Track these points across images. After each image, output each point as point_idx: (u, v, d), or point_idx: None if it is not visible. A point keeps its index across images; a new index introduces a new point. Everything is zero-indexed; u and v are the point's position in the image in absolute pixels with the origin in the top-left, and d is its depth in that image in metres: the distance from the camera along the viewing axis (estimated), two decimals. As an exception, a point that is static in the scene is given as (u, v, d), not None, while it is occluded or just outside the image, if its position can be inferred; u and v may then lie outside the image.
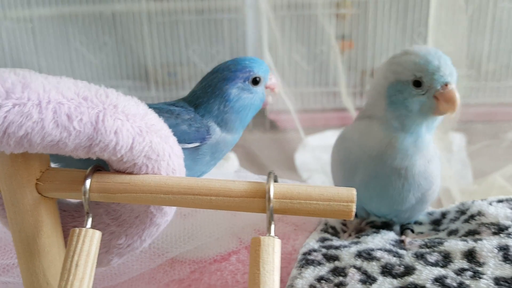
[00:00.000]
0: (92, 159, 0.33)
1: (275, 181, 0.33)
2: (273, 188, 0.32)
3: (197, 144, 0.40)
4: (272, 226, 0.32)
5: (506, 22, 1.26)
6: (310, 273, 0.44)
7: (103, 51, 1.36)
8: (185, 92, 1.58)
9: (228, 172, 0.89)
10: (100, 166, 0.34)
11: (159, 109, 0.39)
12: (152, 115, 0.33)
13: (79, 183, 0.33)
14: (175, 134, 0.35)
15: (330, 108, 1.41)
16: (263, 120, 1.42)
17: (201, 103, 0.43)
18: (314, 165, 1.18)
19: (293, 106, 1.27)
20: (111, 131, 0.30)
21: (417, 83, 0.43)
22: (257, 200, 0.33)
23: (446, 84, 0.42)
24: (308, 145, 1.25)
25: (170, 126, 0.35)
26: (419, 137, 0.45)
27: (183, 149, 0.38)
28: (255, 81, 0.43)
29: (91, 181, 0.33)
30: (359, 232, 0.52)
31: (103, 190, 0.33)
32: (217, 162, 0.45)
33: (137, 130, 0.31)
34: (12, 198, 0.33)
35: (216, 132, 0.42)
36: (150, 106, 0.35)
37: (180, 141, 0.36)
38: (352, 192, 0.32)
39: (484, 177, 0.91)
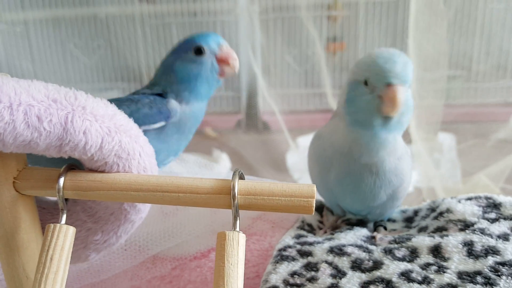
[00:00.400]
0: (70, 159, 0.35)
1: (241, 178, 0.35)
2: (237, 185, 0.34)
3: (162, 123, 0.42)
4: (237, 222, 0.34)
5: (496, 23, 1.27)
6: (284, 268, 0.46)
7: (97, 54, 1.38)
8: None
9: (220, 173, 0.91)
10: (74, 165, 0.36)
11: (119, 100, 0.41)
12: (121, 116, 0.34)
13: (53, 181, 0.35)
14: (138, 118, 0.37)
15: (323, 109, 1.43)
16: (256, 121, 1.44)
17: (157, 82, 0.46)
18: (305, 165, 1.19)
19: (285, 108, 1.28)
20: (80, 131, 0.31)
21: (366, 83, 0.45)
22: (223, 196, 0.34)
23: (389, 85, 0.44)
24: (299, 146, 1.27)
25: (132, 112, 0.37)
26: (376, 134, 0.46)
27: (149, 131, 0.39)
28: (199, 51, 0.45)
29: (64, 179, 0.34)
30: (335, 229, 0.53)
31: (76, 188, 0.35)
32: (188, 138, 0.47)
33: (106, 130, 0.33)
34: (-10, 196, 0.35)
35: (176, 108, 0.44)
36: (111, 100, 0.37)
37: (144, 123, 0.38)
38: (312, 188, 0.33)
39: (470, 177, 0.92)
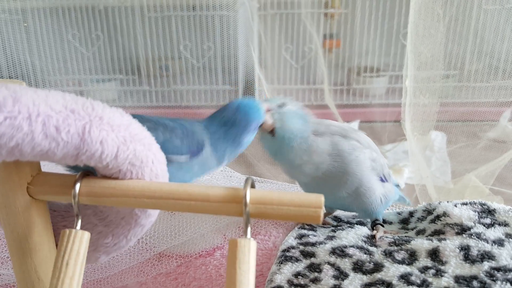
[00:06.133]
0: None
1: (252, 186, 0.36)
2: (249, 194, 0.35)
3: (186, 157, 0.44)
4: (249, 229, 0.35)
5: (489, 24, 1.29)
6: (288, 269, 0.47)
7: (95, 45, 1.36)
8: (176, 86, 1.59)
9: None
10: (88, 171, 0.37)
11: (155, 122, 0.42)
12: (136, 125, 0.35)
13: (68, 187, 0.35)
14: (168, 148, 0.38)
15: (319, 105, 1.44)
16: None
17: (216, 138, 0.46)
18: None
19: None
20: (97, 141, 0.32)
21: None
22: (235, 205, 0.35)
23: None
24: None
25: (164, 140, 0.38)
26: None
27: (175, 161, 0.41)
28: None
29: (80, 185, 0.35)
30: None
31: (90, 194, 0.35)
32: (201, 175, 0.48)
33: (122, 139, 0.33)
34: (5, 201, 0.36)
35: (207, 152, 0.45)
36: (145, 118, 0.38)
37: (173, 153, 0.39)
38: (320, 198, 0.34)
39: (460, 177, 0.94)
